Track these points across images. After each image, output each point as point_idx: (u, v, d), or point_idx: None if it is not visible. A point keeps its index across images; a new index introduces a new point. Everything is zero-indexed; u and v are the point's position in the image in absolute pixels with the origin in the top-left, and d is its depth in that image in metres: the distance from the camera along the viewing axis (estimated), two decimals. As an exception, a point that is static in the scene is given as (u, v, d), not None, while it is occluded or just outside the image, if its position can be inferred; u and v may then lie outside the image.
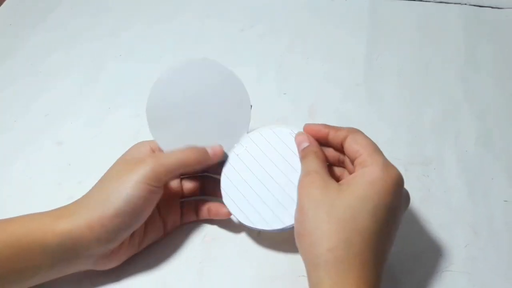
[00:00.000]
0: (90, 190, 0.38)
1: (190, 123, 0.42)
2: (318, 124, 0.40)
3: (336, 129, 0.39)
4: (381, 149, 0.50)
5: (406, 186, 0.47)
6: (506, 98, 0.56)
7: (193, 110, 0.42)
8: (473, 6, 0.70)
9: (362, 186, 0.33)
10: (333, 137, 0.39)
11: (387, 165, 0.35)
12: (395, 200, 0.34)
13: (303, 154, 0.39)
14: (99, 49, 0.66)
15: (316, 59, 0.62)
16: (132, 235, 0.39)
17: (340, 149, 0.39)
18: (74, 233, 0.35)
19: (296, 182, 0.37)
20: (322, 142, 0.40)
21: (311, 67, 0.61)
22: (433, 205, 0.46)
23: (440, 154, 0.51)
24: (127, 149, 0.42)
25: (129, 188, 0.36)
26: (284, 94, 0.58)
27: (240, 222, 0.40)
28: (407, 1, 0.71)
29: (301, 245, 0.34)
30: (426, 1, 0.71)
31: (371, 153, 0.35)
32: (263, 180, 0.40)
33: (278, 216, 0.39)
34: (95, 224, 0.35)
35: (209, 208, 0.43)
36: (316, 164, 0.37)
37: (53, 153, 0.53)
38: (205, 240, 0.44)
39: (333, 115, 0.55)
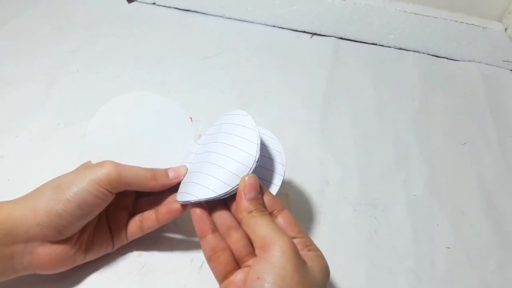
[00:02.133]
0: (40, 186, 0.38)
1: (135, 154, 0.42)
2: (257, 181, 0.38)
3: (270, 193, 0.39)
4: (331, 188, 0.51)
5: (354, 226, 0.48)
6: (455, 147, 0.58)
7: (135, 141, 0.43)
8: (430, 56, 0.73)
9: (320, 271, 0.35)
10: (267, 201, 0.38)
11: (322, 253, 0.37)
12: None
13: (256, 207, 0.37)
14: (56, 63, 0.64)
15: (276, 93, 0.63)
16: (78, 238, 0.38)
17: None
18: (16, 213, 0.35)
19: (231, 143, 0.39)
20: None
21: (270, 100, 0.62)
22: (378, 247, 0.47)
23: (388, 197, 0.51)
24: (71, 168, 0.41)
25: (81, 182, 0.36)
26: (242, 124, 0.57)
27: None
28: (369, 44, 0.74)
29: None
30: (387, 47, 0.74)
31: (309, 238, 0.37)
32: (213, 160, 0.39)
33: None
34: (40, 208, 0.35)
35: (158, 212, 0.41)
36: (282, 230, 0.36)
37: (-8, 167, 0.50)
38: (142, 272, 0.42)
39: (286, 149, 0.54)
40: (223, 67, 0.66)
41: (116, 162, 0.38)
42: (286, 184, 0.51)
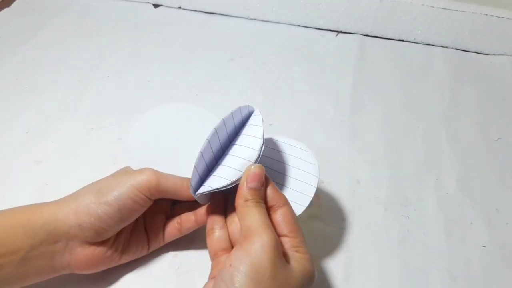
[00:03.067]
0: (82, 188, 0.40)
1: (171, 163, 0.43)
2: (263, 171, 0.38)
3: (275, 187, 0.38)
4: (361, 188, 0.51)
5: (386, 226, 0.48)
6: (487, 143, 0.57)
7: (171, 150, 0.45)
8: (459, 50, 0.72)
9: (301, 273, 0.34)
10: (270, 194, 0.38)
11: (311, 258, 0.36)
12: None
13: (253, 197, 0.36)
14: (86, 69, 0.65)
15: (303, 92, 0.63)
16: (115, 240, 0.40)
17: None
18: (59, 214, 0.37)
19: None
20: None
21: (297, 100, 0.62)
22: (411, 247, 0.46)
23: (420, 195, 0.51)
24: (105, 172, 0.42)
25: (122, 187, 0.37)
26: (270, 125, 0.58)
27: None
28: (396, 41, 0.73)
29: None
30: (414, 42, 0.73)
31: (302, 240, 0.36)
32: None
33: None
34: (81, 210, 0.37)
35: (197, 214, 0.42)
36: (270, 225, 0.36)
37: (30, 172, 0.52)
38: (178, 272, 0.43)
39: (315, 149, 0.54)
40: (249, 68, 0.67)
41: (155, 170, 0.39)
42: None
